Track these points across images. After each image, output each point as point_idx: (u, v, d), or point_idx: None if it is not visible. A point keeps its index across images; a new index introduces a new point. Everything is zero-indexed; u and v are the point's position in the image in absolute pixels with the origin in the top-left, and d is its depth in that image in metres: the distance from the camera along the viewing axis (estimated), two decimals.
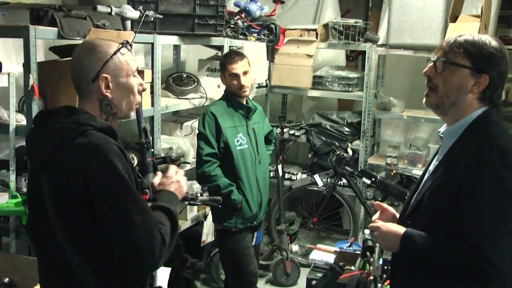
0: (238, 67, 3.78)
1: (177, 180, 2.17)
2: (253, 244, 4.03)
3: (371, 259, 2.65)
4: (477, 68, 1.99)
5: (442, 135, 2.15)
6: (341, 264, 3.30)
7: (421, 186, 2.15)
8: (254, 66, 3.93)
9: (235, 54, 3.90)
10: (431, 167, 2.15)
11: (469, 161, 1.92)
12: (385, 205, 2.38)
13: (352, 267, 3.46)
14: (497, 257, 1.82)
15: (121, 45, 2.01)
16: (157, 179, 2.16)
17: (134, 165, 3.59)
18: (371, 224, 2.21)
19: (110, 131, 1.95)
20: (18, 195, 3.03)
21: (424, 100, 2.13)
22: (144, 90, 2.13)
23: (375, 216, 2.36)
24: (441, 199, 1.98)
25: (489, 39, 2.02)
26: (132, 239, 1.79)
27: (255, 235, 4.07)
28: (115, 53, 1.98)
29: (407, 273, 2.11)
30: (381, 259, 3.11)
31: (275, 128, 4.60)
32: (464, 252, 1.86)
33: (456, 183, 1.92)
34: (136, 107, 2.13)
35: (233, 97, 3.86)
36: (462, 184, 1.90)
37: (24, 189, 3.12)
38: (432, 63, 2.07)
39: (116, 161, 1.82)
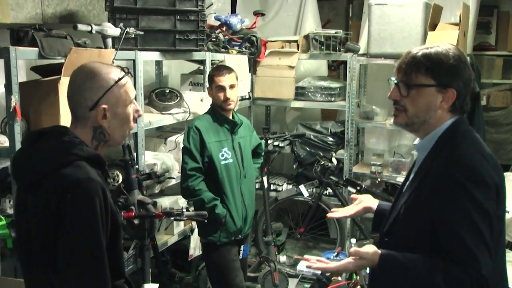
0: (225, 80, 3.81)
1: None
2: (240, 257, 4.04)
3: None
4: (442, 84, 1.96)
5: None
6: (327, 274, 3.32)
7: (397, 201, 2.14)
8: None
9: (224, 67, 3.94)
10: (408, 182, 2.15)
11: (438, 180, 1.90)
12: (360, 196, 2.48)
13: (339, 278, 3.47)
14: (485, 270, 1.81)
15: (122, 75, 1.99)
16: None
17: (119, 182, 3.60)
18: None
19: (98, 161, 1.96)
20: (2, 217, 3.00)
21: (392, 120, 2.14)
22: (140, 116, 2.12)
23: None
24: (416, 217, 1.97)
25: (447, 49, 1.98)
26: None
27: (242, 249, 4.08)
28: (116, 83, 1.96)
29: None
30: (368, 268, 3.13)
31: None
32: (453, 267, 1.83)
33: (428, 201, 1.91)
34: (129, 134, 2.14)
35: (218, 111, 3.88)
36: (435, 203, 1.89)
37: (8, 211, 3.10)
38: (395, 86, 2.05)
39: (93, 200, 1.82)
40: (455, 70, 1.96)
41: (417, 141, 2.14)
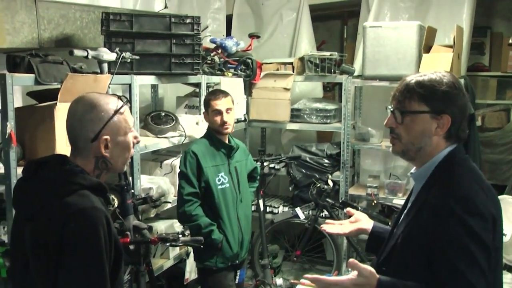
0: (221, 104, 3.81)
1: None
2: (236, 282, 4.02)
3: None
4: (436, 110, 1.96)
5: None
6: None
7: (395, 229, 2.12)
8: None
9: (220, 92, 3.94)
10: (405, 211, 2.14)
11: (435, 211, 1.89)
12: (356, 214, 2.48)
13: None
14: None
15: (121, 104, 2.02)
16: None
17: (115, 207, 3.58)
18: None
19: (100, 189, 1.96)
20: None
21: (390, 149, 2.14)
22: (138, 142, 2.14)
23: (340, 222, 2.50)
24: (413, 248, 1.95)
25: (440, 76, 1.99)
26: None
27: (238, 273, 4.05)
28: (115, 113, 1.98)
29: None
30: None
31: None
32: None
33: (425, 232, 1.90)
34: (129, 160, 2.15)
35: (215, 135, 3.88)
36: (432, 234, 1.87)
37: (2, 237, 3.07)
38: (390, 114, 2.06)
39: (97, 229, 1.82)
40: (448, 96, 1.97)
41: (413, 170, 2.13)
